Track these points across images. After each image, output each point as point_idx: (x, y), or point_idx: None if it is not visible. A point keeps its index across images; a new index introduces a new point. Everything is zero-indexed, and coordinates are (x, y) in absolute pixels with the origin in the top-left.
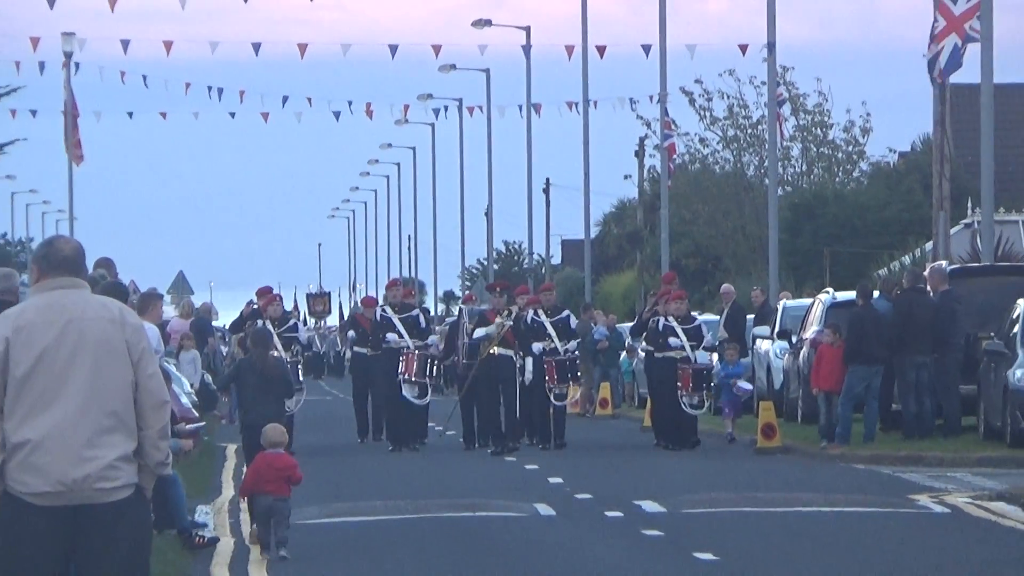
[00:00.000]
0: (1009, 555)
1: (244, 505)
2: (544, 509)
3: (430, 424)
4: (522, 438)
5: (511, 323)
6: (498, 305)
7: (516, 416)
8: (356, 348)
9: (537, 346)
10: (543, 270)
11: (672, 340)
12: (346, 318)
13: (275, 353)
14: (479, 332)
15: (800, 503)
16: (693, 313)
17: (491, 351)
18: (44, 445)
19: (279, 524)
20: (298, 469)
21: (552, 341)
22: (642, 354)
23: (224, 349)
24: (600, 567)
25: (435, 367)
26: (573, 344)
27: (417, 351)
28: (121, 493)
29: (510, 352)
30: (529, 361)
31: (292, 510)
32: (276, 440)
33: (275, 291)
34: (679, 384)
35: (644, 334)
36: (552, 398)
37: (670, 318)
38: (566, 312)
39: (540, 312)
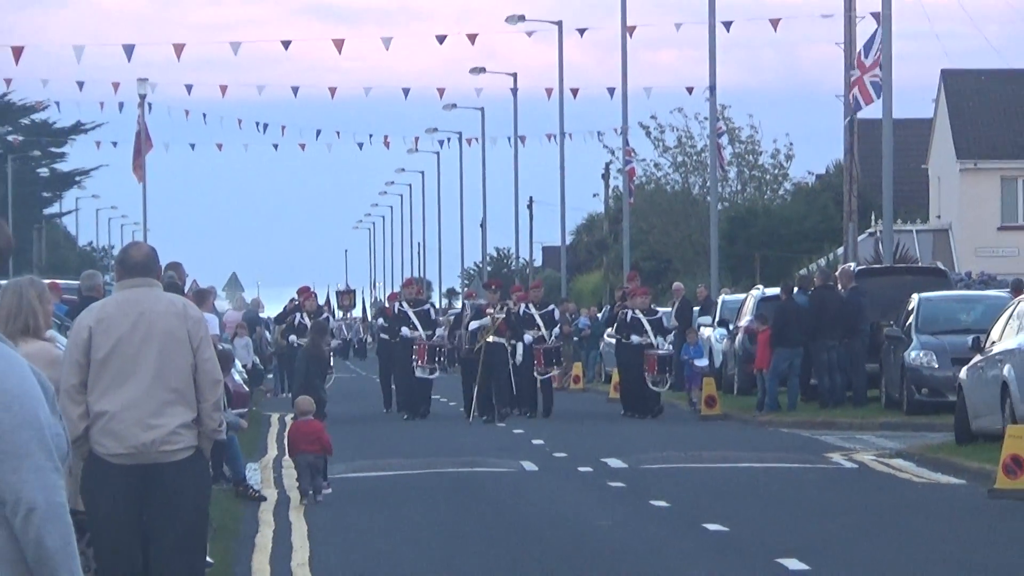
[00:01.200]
0: (905, 501)
1: (291, 463)
2: (528, 465)
3: (440, 398)
4: (512, 409)
5: (503, 316)
6: (492, 300)
7: (507, 392)
8: (382, 335)
9: (528, 336)
10: (527, 271)
11: (635, 337)
12: (376, 310)
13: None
14: (474, 324)
15: (737, 460)
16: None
17: (487, 339)
18: (119, 415)
19: (316, 476)
20: (325, 432)
21: (540, 330)
22: (611, 340)
23: (268, 336)
24: (573, 511)
25: (441, 354)
26: (557, 331)
27: (426, 343)
28: (182, 454)
29: (503, 340)
30: (520, 346)
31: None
32: (306, 409)
33: (311, 289)
34: (645, 367)
35: (614, 324)
36: (536, 374)
37: (636, 311)
38: (552, 306)
39: (530, 305)
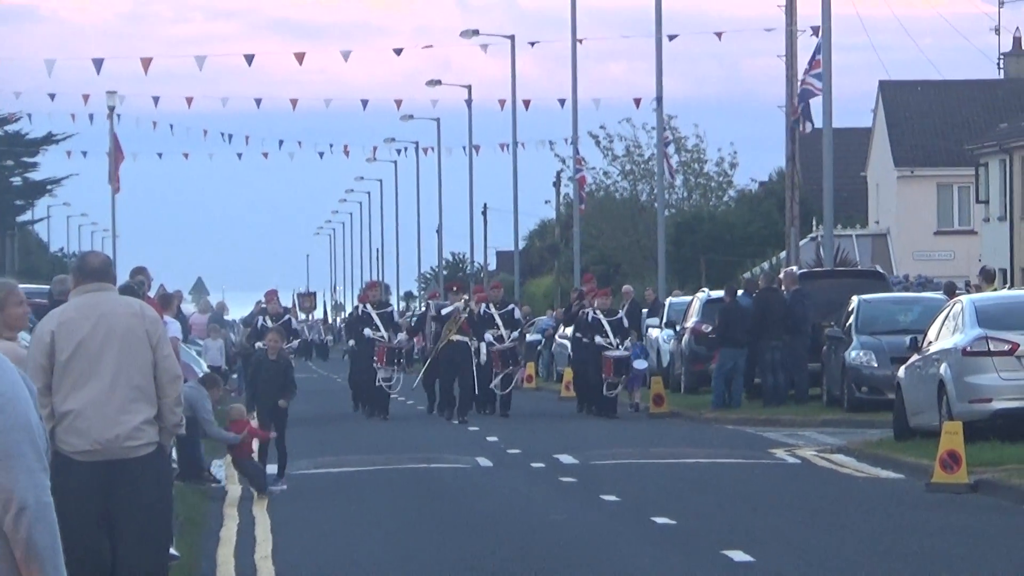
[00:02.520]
0: (846, 495)
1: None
2: (483, 461)
3: (399, 398)
4: (475, 410)
5: (466, 315)
6: (455, 301)
7: (471, 391)
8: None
9: (488, 336)
10: (482, 275)
11: (598, 338)
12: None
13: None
14: (447, 309)
15: (684, 456)
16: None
17: (451, 338)
18: (84, 413)
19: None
20: (250, 426)
21: (500, 329)
22: (564, 341)
23: (233, 338)
24: (526, 505)
25: (401, 356)
26: (516, 332)
27: (387, 344)
28: (146, 450)
29: (466, 339)
30: (483, 346)
31: (289, 462)
32: (235, 417)
33: (277, 293)
34: (602, 369)
35: (573, 324)
36: (500, 385)
37: (597, 312)
38: (511, 305)
39: (490, 306)
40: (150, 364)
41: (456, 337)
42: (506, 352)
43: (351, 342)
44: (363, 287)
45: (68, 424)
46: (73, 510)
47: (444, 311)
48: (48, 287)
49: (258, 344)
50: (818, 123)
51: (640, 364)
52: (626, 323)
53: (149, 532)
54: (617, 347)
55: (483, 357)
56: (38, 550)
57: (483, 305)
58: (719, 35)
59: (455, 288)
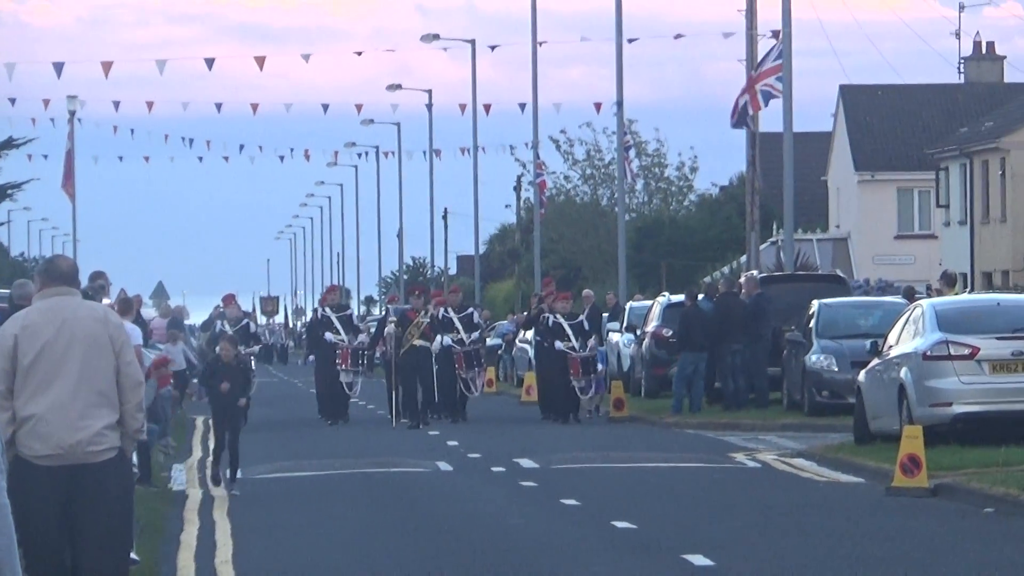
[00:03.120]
0: (806, 499)
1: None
2: (444, 465)
3: (359, 402)
4: (433, 414)
5: (427, 320)
6: (417, 305)
7: (429, 396)
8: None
9: (446, 339)
10: (442, 279)
11: (559, 343)
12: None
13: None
14: (388, 329)
15: (644, 460)
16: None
17: (413, 343)
18: (46, 418)
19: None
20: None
21: (459, 332)
22: (524, 345)
23: (194, 342)
24: (487, 510)
25: (364, 358)
26: (476, 335)
27: (350, 347)
28: (107, 455)
29: (428, 344)
30: (447, 338)
31: (247, 466)
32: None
33: (235, 297)
34: (570, 371)
35: (533, 328)
36: (462, 386)
37: (558, 316)
38: (470, 309)
39: (449, 309)
40: (113, 369)
41: (418, 342)
42: (470, 354)
43: (311, 357)
44: (323, 291)
45: (30, 428)
46: (34, 514)
47: (387, 331)
48: (8, 291)
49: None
50: (778, 127)
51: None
52: (587, 326)
53: (110, 536)
54: (580, 350)
55: (438, 345)
56: None
57: (442, 309)
58: (679, 36)
59: (417, 292)
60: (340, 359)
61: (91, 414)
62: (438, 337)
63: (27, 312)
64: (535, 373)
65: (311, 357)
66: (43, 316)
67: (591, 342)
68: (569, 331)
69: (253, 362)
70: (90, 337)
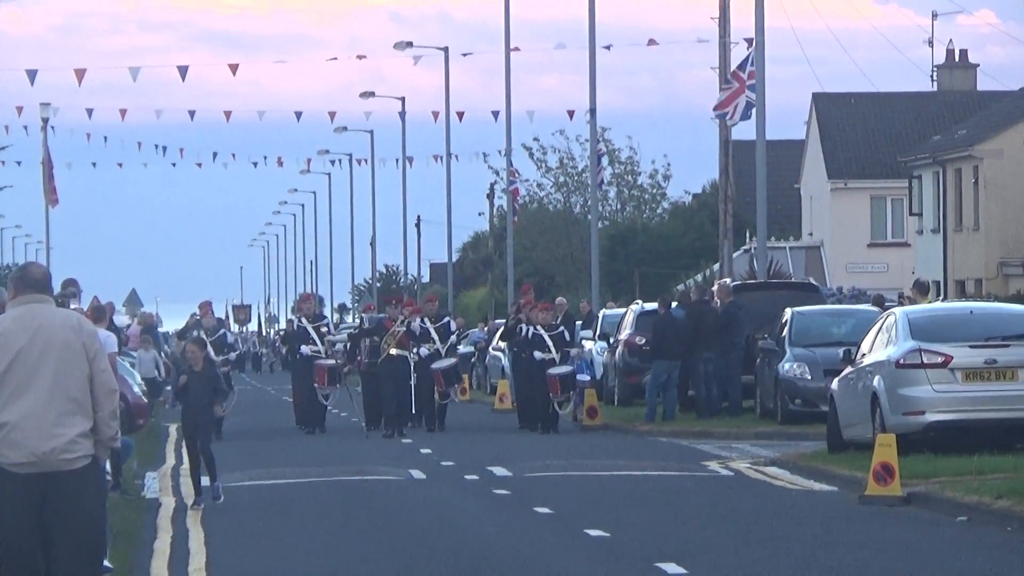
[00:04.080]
0: (779, 507)
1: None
2: (417, 473)
3: (335, 410)
4: (410, 423)
5: (404, 329)
6: (393, 314)
7: (407, 406)
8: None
9: (423, 350)
10: (415, 287)
11: (538, 354)
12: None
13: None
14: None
15: (617, 468)
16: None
17: (389, 352)
18: (20, 425)
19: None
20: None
21: (435, 343)
22: (497, 353)
23: (167, 349)
24: (460, 518)
25: (340, 374)
26: (454, 341)
27: (327, 366)
28: (81, 462)
29: (405, 353)
30: (424, 348)
31: (220, 474)
32: None
33: (210, 305)
34: (548, 388)
35: (511, 339)
36: (438, 396)
37: (538, 327)
38: (447, 318)
39: (425, 320)
40: (87, 377)
41: (395, 351)
42: (448, 371)
43: (288, 369)
44: (297, 300)
45: (3, 436)
46: (7, 521)
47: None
48: None
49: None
50: (751, 135)
51: (583, 378)
52: (567, 336)
53: (83, 544)
54: (559, 362)
55: (424, 352)
56: None
57: (418, 319)
58: (652, 42)
59: (394, 301)
60: (317, 379)
61: (65, 422)
62: (423, 348)
63: (0, 319)
64: (512, 384)
65: (304, 348)
66: (17, 323)
67: (574, 351)
68: (549, 342)
69: (229, 371)
70: (64, 344)
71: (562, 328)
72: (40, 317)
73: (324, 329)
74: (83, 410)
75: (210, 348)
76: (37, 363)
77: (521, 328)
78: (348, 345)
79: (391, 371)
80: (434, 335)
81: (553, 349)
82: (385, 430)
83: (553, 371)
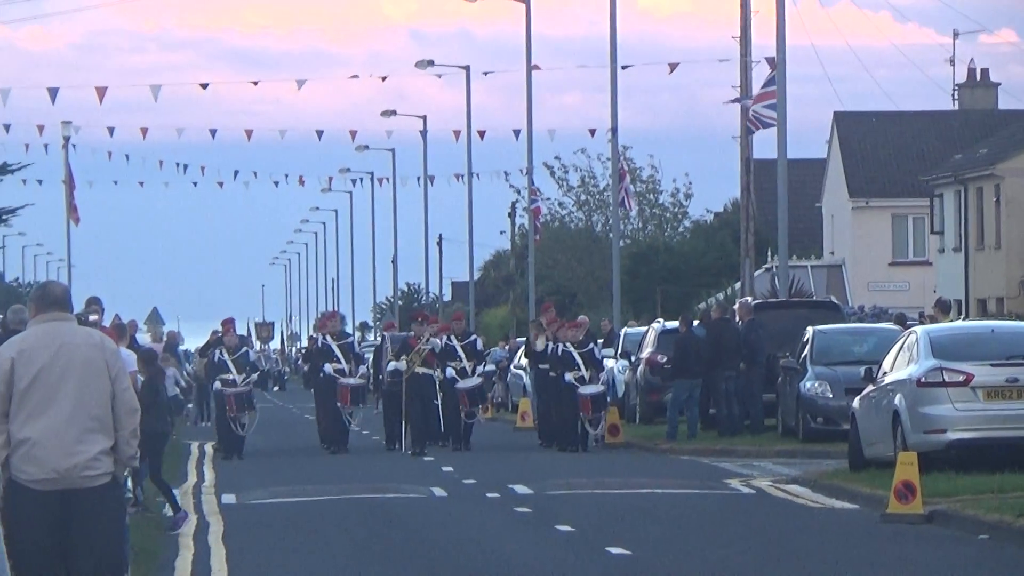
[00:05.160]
0: (801, 525)
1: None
2: (438, 491)
3: (361, 430)
4: (437, 442)
5: (429, 347)
6: (419, 332)
7: (434, 425)
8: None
9: (449, 369)
10: (437, 305)
11: (568, 375)
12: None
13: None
14: (392, 365)
15: (639, 486)
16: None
17: (415, 370)
18: (41, 442)
19: None
20: None
21: (462, 361)
22: (519, 372)
23: (188, 367)
24: (481, 536)
25: (364, 395)
26: (480, 361)
27: (350, 386)
28: (102, 480)
29: (430, 371)
30: (449, 369)
31: (243, 492)
32: None
33: (233, 323)
34: (580, 408)
35: (537, 357)
36: (464, 416)
37: (568, 344)
38: (473, 336)
39: (452, 337)
40: (108, 395)
41: (421, 369)
42: (473, 391)
43: (311, 388)
44: (319, 317)
45: (25, 452)
46: (28, 539)
47: (390, 367)
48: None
49: (216, 385)
50: (772, 154)
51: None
52: (598, 354)
53: (104, 561)
54: (589, 380)
55: (448, 372)
56: None
57: (444, 336)
58: (673, 66)
59: (419, 319)
60: (340, 399)
61: (86, 439)
62: (449, 369)
63: (23, 336)
64: (535, 402)
65: (327, 367)
66: (40, 340)
67: (602, 375)
68: (578, 359)
69: (252, 389)
70: (86, 363)
71: (592, 346)
72: (63, 335)
73: (349, 347)
74: (104, 428)
75: (232, 366)
76: (59, 380)
77: (549, 346)
78: (371, 371)
79: (417, 389)
80: (461, 353)
81: (583, 367)
82: (414, 448)
83: (584, 391)
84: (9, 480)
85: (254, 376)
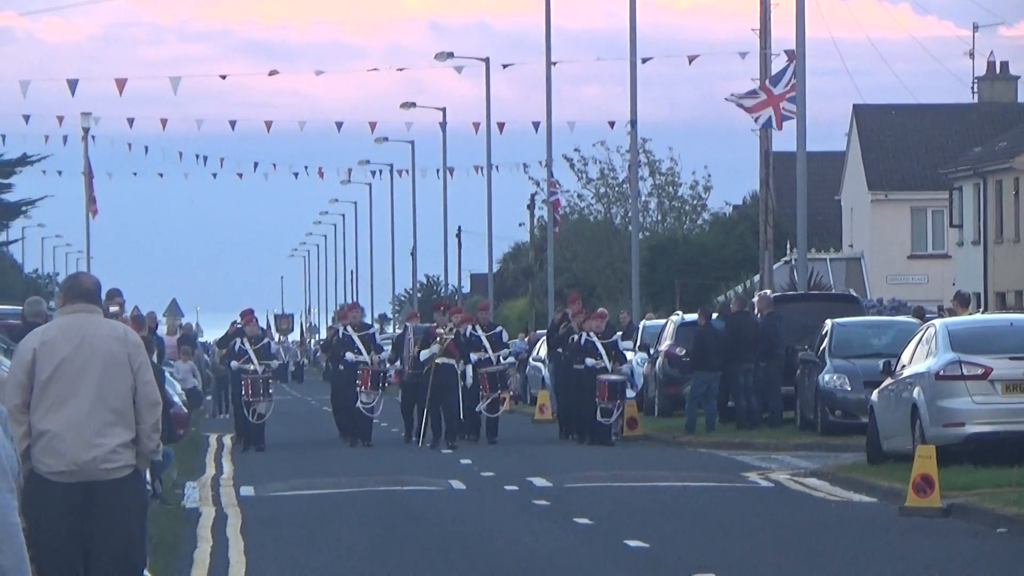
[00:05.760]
0: (819, 519)
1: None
2: (456, 484)
3: (381, 423)
4: (461, 435)
5: (452, 337)
6: (442, 322)
7: (455, 416)
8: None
9: (473, 356)
10: (456, 297)
11: (589, 360)
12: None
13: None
14: (424, 353)
15: (657, 479)
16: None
17: (437, 361)
18: (61, 434)
19: None
20: None
21: (487, 352)
22: (538, 364)
23: (206, 359)
24: (499, 528)
25: (385, 379)
26: (506, 352)
27: (371, 368)
28: (121, 472)
29: (452, 361)
30: (468, 368)
31: (261, 484)
32: None
33: (254, 313)
34: (596, 394)
35: (560, 347)
36: (486, 409)
37: (591, 334)
38: (499, 328)
39: (477, 327)
40: (130, 389)
41: (442, 360)
42: (494, 375)
43: (329, 364)
44: (339, 308)
45: (45, 444)
46: (48, 529)
47: (423, 356)
48: (21, 308)
49: (233, 363)
50: (792, 147)
51: (628, 394)
52: (622, 346)
53: (123, 553)
54: (611, 371)
55: (468, 380)
56: (3, 570)
57: (469, 327)
58: (691, 59)
59: (442, 308)
60: (360, 381)
61: (106, 432)
62: (468, 367)
63: (47, 328)
64: (555, 392)
65: (348, 355)
66: (63, 332)
67: (624, 367)
68: (601, 349)
69: (271, 381)
70: (109, 355)
71: (616, 337)
72: (86, 327)
73: (370, 338)
74: (125, 421)
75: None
76: (81, 373)
77: (572, 336)
78: (391, 357)
79: (438, 381)
80: (485, 343)
81: (605, 357)
82: (433, 441)
83: (604, 377)
84: (31, 471)
85: (274, 364)
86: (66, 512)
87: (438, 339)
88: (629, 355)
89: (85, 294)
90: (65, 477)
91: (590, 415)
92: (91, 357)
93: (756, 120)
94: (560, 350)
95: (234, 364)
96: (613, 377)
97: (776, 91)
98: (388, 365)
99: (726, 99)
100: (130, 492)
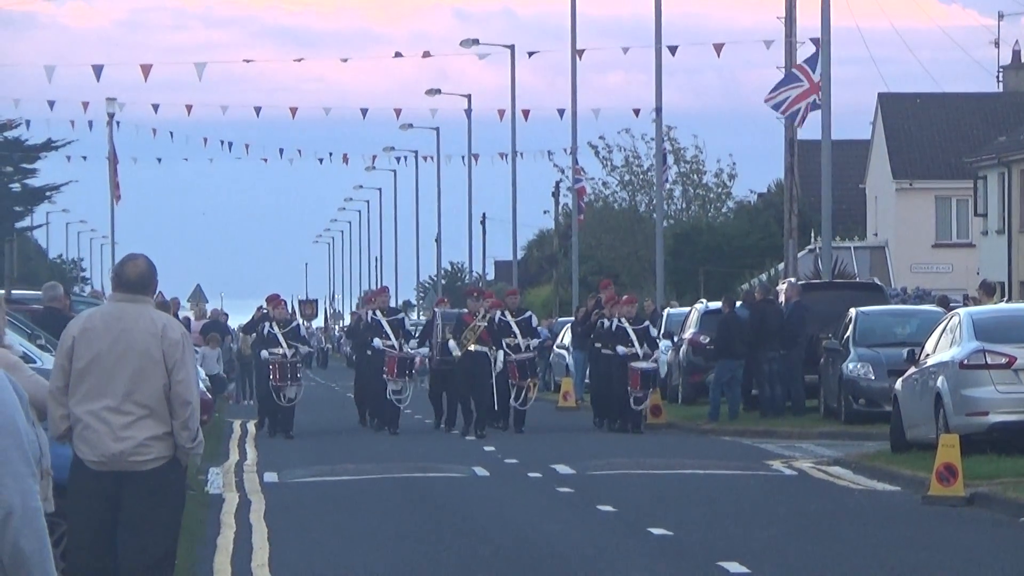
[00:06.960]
0: (842, 507)
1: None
2: (480, 471)
3: (408, 411)
4: (494, 422)
5: (485, 324)
6: (474, 308)
7: (488, 404)
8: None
9: (502, 352)
10: (480, 284)
11: (621, 348)
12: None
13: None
14: (452, 345)
15: (681, 467)
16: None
17: (469, 348)
18: (92, 425)
19: None
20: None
21: (516, 337)
22: (562, 352)
23: (233, 346)
24: (522, 515)
25: (413, 367)
26: (535, 342)
27: (398, 355)
28: (153, 464)
29: (485, 349)
30: (500, 354)
31: (284, 470)
32: None
33: (281, 298)
34: (628, 382)
35: (592, 334)
36: (513, 398)
37: (622, 320)
38: (528, 313)
39: (506, 313)
40: (163, 387)
41: (474, 347)
42: (524, 363)
43: (353, 353)
44: (365, 294)
45: (80, 432)
46: (81, 511)
47: (451, 346)
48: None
49: (263, 352)
50: (817, 135)
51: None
52: (653, 332)
53: (152, 543)
54: (643, 358)
55: (499, 364)
56: (25, 556)
57: (498, 312)
58: (718, 48)
59: (475, 294)
60: (387, 369)
61: (135, 426)
62: (500, 353)
63: (92, 314)
64: (579, 379)
65: (376, 341)
66: (104, 323)
67: (656, 353)
68: (633, 336)
69: (300, 367)
70: (144, 352)
71: (647, 323)
72: (126, 319)
73: (399, 323)
74: (156, 415)
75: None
76: (114, 367)
77: (603, 322)
78: (419, 335)
79: (470, 368)
80: (515, 329)
81: (636, 344)
82: (464, 429)
83: (636, 365)
84: (73, 455)
85: (303, 349)
86: (99, 496)
87: (471, 327)
88: None
89: (127, 284)
90: (97, 466)
91: (622, 401)
92: (126, 353)
93: (783, 113)
94: (592, 336)
95: (264, 354)
96: (645, 365)
97: (815, 78)
98: (414, 351)
99: (765, 101)
100: (162, 484)
